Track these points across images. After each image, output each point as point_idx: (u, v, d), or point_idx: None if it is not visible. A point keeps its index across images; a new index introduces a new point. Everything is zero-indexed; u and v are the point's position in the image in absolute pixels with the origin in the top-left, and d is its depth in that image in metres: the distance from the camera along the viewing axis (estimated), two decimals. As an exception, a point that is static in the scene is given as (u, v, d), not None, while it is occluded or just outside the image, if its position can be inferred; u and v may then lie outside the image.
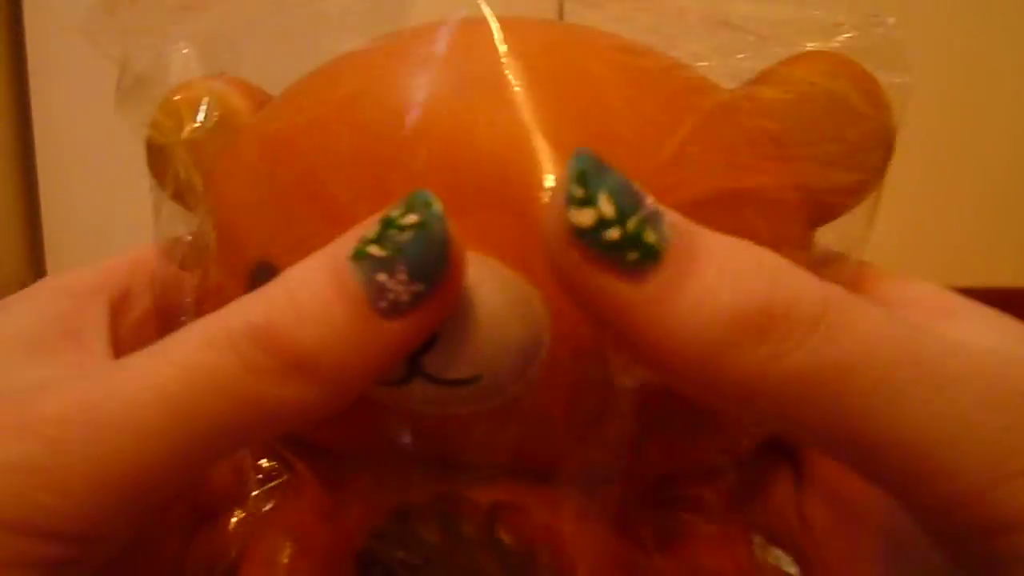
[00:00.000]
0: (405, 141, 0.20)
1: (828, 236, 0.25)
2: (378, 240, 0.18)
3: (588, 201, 0.16)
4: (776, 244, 0.18)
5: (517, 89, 0.20)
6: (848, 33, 0.23)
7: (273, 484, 0.25)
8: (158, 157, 0.25)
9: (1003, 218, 0.86)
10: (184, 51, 0.25)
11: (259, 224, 0.22)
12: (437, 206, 0.18)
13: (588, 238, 0.16)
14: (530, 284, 0.19)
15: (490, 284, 0.19)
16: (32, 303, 0.22)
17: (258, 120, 0.24)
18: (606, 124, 0.21)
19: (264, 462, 0.25)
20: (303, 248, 0.19)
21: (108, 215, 0.89)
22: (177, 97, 0.24)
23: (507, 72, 0.21)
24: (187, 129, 0.24)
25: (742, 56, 0.23)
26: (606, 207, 0.16)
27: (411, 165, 0.20)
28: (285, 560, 0.23)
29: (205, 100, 0.24)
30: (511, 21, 0.22)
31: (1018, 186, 0.86)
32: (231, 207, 0.23)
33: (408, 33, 0.23)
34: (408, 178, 0.20)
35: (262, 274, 0.21)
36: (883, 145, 0.23)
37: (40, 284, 0.23)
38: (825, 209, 0.23)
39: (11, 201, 0.90)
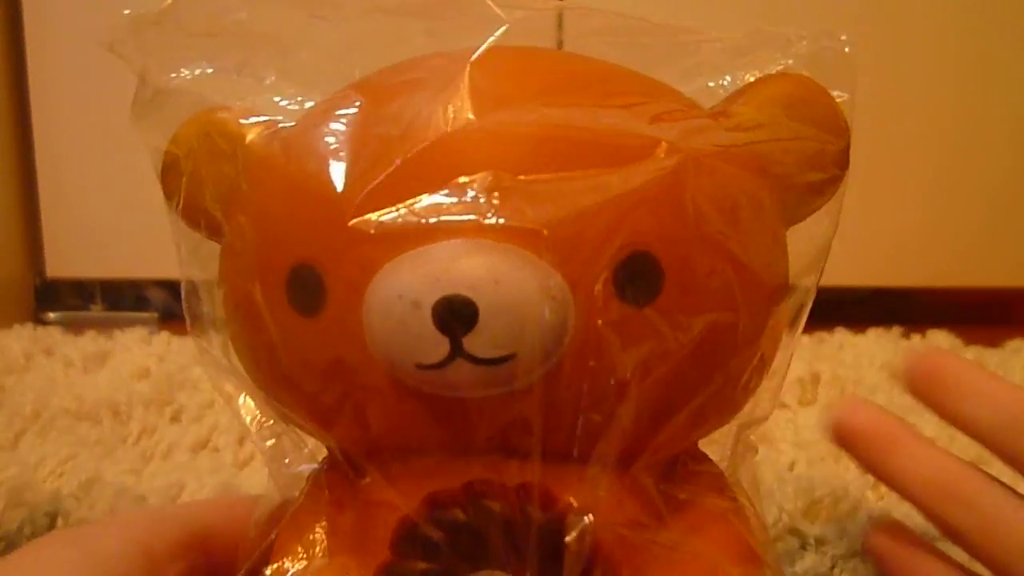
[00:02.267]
0: (428, 149, 0.23)
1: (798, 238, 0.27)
2: None
3: None
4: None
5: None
6: (803, 50, 0.27)
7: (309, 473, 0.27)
8: (172, 177, 0.27)
9: (1002, 219, 0.86)
10: (206, 70, 0.27)
11: (294, 228, 0.24)
12: None
13: None
14: (559, 272, 0.22)
15: (525, 271, 0.21)
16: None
17: (288, 132, 0.26)
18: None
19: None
20: (339, 247, 0.22)
21: (107, 215, 0.89)
22: (185, 128, 0.27)
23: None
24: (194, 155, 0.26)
25: (709, 83, 0.27)
26: None
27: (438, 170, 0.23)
28: (320, 547, 0.25)
29: (210, 130, 0.26)
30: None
31: (1018, 188, 0.86)
32: (263, 214, 0.25)
33: (409, 65, 0.26)
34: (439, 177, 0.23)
35: (301, 274, 0.24)
36: (841, 149, 0.26)
37: (116, 535, 0.26)
38: (795, 207, 0.26)
39: (11, 201, 0.90)
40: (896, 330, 0.78)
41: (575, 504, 0.23)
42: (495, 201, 0.22)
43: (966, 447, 0.29)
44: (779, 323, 0.26)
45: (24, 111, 0.88)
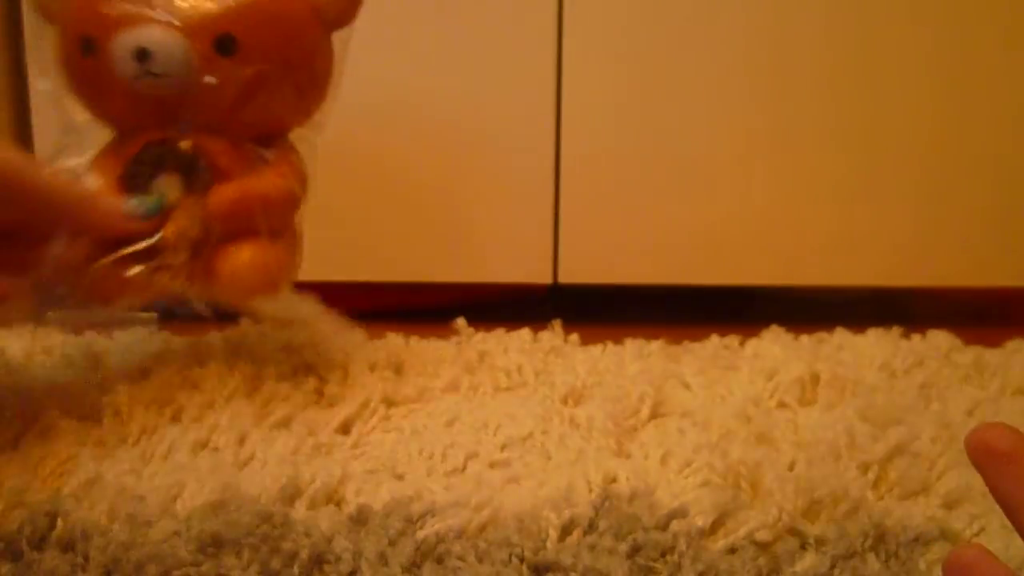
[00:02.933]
0: None
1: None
2: None
3: None
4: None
5: None
6: None
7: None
8: None
9: (1002, 219, 0.86)
10: None
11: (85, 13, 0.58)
12: None
13: None
14: (189, 41, 0.55)
15: (176, 39, 0.55)
16: None
17: None
18: None
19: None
20: (102, 24, 0.56)
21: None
22: None
23: None
24: None
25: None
26: None
27: None
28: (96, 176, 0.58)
29: None
30: None
31: (1018, 188, 0.86)
32: (76, 7, 0.58)
33: None
34: None
35: (85, 39, 0.57)
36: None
37: None
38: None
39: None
40: (896, 330, 0.78)
41: (201, 147, 0.57)
42: (175, 8, 0.55)
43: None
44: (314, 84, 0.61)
45: (24, 111, 0.88)
